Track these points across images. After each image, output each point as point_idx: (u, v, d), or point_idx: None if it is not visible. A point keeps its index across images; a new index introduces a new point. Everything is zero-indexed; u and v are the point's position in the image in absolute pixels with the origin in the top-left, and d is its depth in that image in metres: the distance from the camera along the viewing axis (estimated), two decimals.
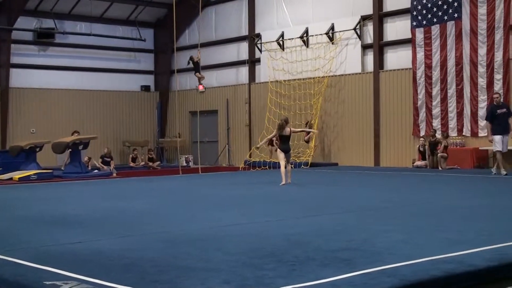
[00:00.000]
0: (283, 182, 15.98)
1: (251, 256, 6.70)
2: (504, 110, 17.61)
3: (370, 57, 24.40)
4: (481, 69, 21.24)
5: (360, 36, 24.44)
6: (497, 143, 17.58)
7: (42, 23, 28.85)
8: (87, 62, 30.24)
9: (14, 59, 28.26)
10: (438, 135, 21.76)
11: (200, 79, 26.05)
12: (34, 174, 21.50)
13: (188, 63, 25.90)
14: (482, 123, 21.26)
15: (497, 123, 17.51)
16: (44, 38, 28.85)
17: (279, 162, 16.70)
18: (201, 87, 29.85)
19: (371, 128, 24.09)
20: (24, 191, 16.29)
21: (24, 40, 28.65)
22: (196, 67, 25.87)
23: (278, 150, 16.68)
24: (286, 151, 16.47)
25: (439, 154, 21.17)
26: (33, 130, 28.51)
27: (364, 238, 7.71)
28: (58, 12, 28.99)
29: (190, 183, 18.48)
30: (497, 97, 17.99)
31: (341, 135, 25.03)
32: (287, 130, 16.49)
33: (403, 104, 23.33)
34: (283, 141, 16.51)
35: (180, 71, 30.67)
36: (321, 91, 25.17)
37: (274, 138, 25.16)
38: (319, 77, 25.34)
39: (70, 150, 23.32)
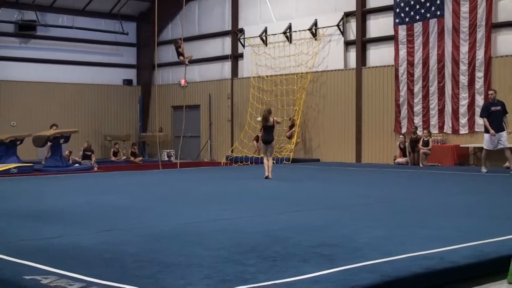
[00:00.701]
0: (266, 174, 16.20)
1: (232, 251, 6.71)
2: (499, 107, 17.42)
3: (352, 53, 24.45)
4: (463, 67, 21.36)
5: (343, 33, 24.48)
6: (487, 141, 17.50)
7: (23, 15, 28.61)
8: (69, 55, 30.04)
9: None
10: (419, 132, 21.86)
11: (186, 59, 25.64)
12: (14, 167, 21.36)
13: (171, 41, 25.67)
14: (463, 120, 21.40)
15: (491, 120, 17.36)
16: (25, 31, 28.62)
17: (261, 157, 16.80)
18: (183, 82, 29.77)
19: (353, 124, 24.15)
20: (4, 184, 16.15)
21: (5, 32, 28.41)
22: (178, 54, 25.70)
23: (261, 142, 16.82)
24: (269, 142, 16.57)
25: (421, 151, 21.26)
26: (13, 123, 28.29)
27: (345, 234, 7.73)
28: (40, 4, 28.78)
29: (172, 178, 18.43)
30: (491, 94, 17.81)
31: (323, 131, 25.07)
32: (271, 120, 16.60)
33: (385, 101, 23.41)
34: (267, 132, 16.60)
35: (162, 65, 30.58)
36: (304, 87, 25.20)
37: (260, 134, 25.31)
38: (301, 73, 25.37)
39: (50, 143, 23.18)
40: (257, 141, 25.17)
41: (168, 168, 24.80)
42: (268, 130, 16.63)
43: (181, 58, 25.52)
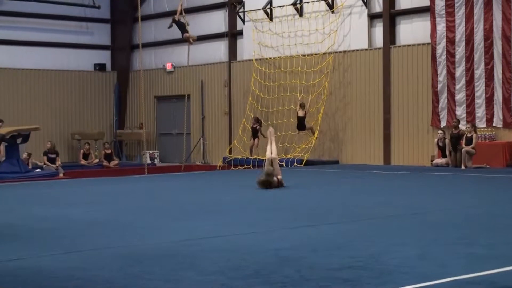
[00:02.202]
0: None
1: (231, 276, 6.72)
2: None
3: (379, 29, 24.43)
4: None
5: (366, 3, 24.45)
6: None
7: None
8: (27, 35, 30.01)
9: None
10: (462, 126, 21.83)
11: (191, 38, 25.35)
12: None
13: (171, 26, 25.48)
14: None
15: None
16: None
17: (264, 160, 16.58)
18: (169, 66, 29.70)
19: (380, 117, 24.13)
20: None
21: None
22: (182, 28, 25.34)
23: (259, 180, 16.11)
24: (268, 181, 15.75)
25: (463, 149, 21.21)
26: None
27: (371, 253, 7.74)
28: None
29: (156, 185, 18.44)
30: None
31: (342, 127, 25.04)
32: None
33: (419, 87, 23.38)
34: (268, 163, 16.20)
35: (143, 46, 30.54)
36: (321, 72, 25.14)
37: (258, 129, 25.33)
38: (316, 54, 25.35)
39: (6, 144, 23.19)
40: (256, 138, 25.33)
41: (152, 173, 24.80)
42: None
43: (186, 35, 25.07)
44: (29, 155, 24.97)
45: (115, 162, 28.12)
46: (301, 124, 24.74)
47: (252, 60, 26.96)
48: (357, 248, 8.18)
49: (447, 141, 21.84)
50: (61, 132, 30.59)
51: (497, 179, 17.75)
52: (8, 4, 29.39)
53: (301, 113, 24.67)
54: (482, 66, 22.02)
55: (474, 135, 21.26)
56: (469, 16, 22.22)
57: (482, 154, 21.33)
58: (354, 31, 24.81)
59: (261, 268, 7.01)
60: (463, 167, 21.13)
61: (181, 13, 25.08)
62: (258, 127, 25.51)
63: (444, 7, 22.69)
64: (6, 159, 23.24)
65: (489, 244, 8.20)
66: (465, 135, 21.41)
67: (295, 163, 24.04)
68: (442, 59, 22.81)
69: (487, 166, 21.11)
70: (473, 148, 21.19)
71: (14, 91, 29.60)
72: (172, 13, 26.32)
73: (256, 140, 25.50)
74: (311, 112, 24.98)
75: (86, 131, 30.87)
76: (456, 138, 21.58)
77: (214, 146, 29.07)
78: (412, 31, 23.80)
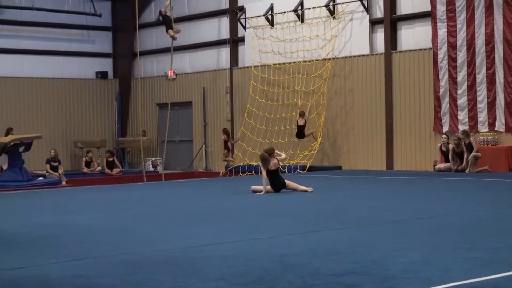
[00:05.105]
0: (262, 192, 16.08)
1: (234, 282, 6.72)
2: None
3: (380, 34, 24.44)
4: None
5: (368, 9, 24.47)
6: None
7: None
8: (29, 43, 30.05)
9: None
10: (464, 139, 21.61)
11: (175, 33, 25.57)
12: None
13: (158, 18, 25.76)
14: None
15: None
16: None
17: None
18: (171, 73, 29.74)
19: (382, 122, 24.12)
20: None
21: None
22: (167, 23, 25.51)
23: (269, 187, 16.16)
24: (283, 188, 16.27)
25: (470, 156, 20.98)
26: None
27: (374, 259, 7.75)
28: None
29: (159, 192, 18.46)
30: None
31: (344, 132, 25.04)
32: (275, 162, 16.10)
33: (421, 92, 23.39)
34: (274, 177, 16.14)
35: (145, 53, 30.58)
36: (322, 77, 25.16)
37: (225, 140, 25.72)
38: (317, 60, 25.37)
39: (8, 152, 23.19)
40: (227, 149, 25.76)
41: (154, 180, 24.82)
42: (274, 175, 16.21)
43: (170, 31, 25.27)
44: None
45: (117, 169, 28.12)
46: (300, 133, 24.79)
47: (252, 67, 26.95)
48: (360, 253, 8.18)
49: (450, 146, 21.74)
50: (64, 140, 30.60)
51: (500, 184, 17.74)
52: (10, 13, 29.41)
53: (301, 122, 24.73)
54: (484, 70, 22.02)
55: (472, 139, 21.15)
56: (470, 21, 22.23)
57: (484, 159, 21.28)
58: (355, 36, 24.82)
59: (264, 274, 7.01)
60: (467, 171, 21.04)
61: (168, 11, 25.39)
62: (226, 139, 26.02)
63: (445, 12, 22.71)
64: (9, 167, 23.25)
65: (492, 249, 8.19)
66: (465, 144, 21.21)
67: (298, 170, 24.04)
68: (443, 64, 22.81)
69: (489, 170, 21.04)
70: (477, 151, 21.08)
71: (16, 99, 29.62)
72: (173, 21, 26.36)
73: (226, 151, 26.08)
74: (310, 118, 24.98)
75: (88, 139, 30.89)
76: (461, 153, 21.40)
77: (216, 153, 29.06)
78: (413, 36, 23.82)
